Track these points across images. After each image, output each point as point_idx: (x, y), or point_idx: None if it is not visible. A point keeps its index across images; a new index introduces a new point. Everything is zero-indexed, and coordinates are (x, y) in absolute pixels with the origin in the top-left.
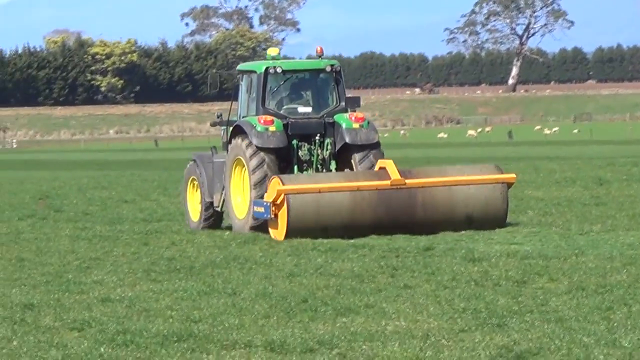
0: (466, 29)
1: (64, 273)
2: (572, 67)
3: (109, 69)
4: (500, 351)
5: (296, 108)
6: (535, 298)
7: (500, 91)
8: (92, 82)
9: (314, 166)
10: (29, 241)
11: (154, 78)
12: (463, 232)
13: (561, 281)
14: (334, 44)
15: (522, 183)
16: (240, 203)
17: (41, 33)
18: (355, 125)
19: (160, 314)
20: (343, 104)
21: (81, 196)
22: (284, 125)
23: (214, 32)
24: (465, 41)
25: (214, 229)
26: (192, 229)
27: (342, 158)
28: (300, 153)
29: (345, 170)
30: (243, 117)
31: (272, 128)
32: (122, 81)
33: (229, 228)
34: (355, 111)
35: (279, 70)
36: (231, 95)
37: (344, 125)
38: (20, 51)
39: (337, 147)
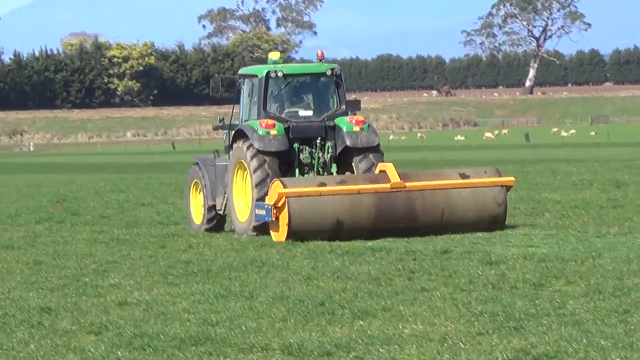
0: (483, 31)
1: (81, 276)
2: (589, 69)
3: (127, 72)
4: (517, 354)
5: (297, 112)
6: (553, 301)
7: (518, 93)
8: (109, 85)
9: (315, 169)
10: (46, 244)
11: (171, 81)
12: (480, 234)
13: (578, 284)
14: (351, 46)
15: (539, 185)
16: (242, 206)
17: (58, 36)
18: (356, 129)
19: (177, 317)
20: (344, 107)
21: (98, 199)
22: (285, 128)
23: (231, 35)
24: (482, 43)
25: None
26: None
27: (343, 161)
28: (301, 156)
29: (346, 173)
30: (245, 121)
31: (273, 132)
32: (139, 84)
33: (232, 231)
34: (355, 114)
35: (280, 74)
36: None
37: (344, 129)
38: (37, 54)
39: (338, 150)
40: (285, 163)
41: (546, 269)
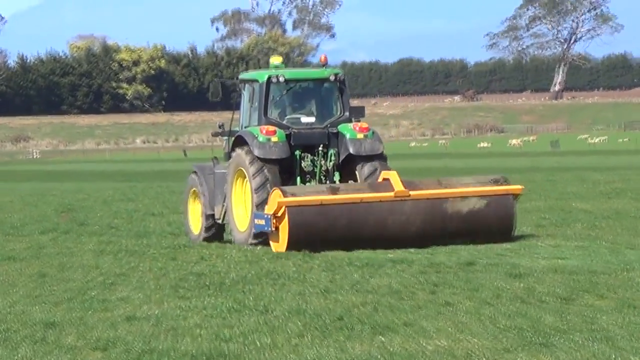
0: (508, 33)
1: (87, 289)
2: (619, 73)
3: (136, 76)
4: None
5: (299, 118)
6: (583, 316)
7: (545, 98)
8: (118, 89)
9: (317, 177)
10: (51, 256)
11: (182, 85)
12: (507, 245)
13: (610, 298)
14: (370, 49)
15: (569, 195)
16: (241, 215)
17: (65, 38)
18: (360, 136)
19: (188, 332)
20: (347, 113)
21: (106, 209)
22: (286, 135)
23: (245, 38)
24: (507, 46)
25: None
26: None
27: (346, 169)
28: (303, 164)
29: (350, 181)
30: (245, 127)
31: (274, 138)
32: (149, 89)
33: (229, 241)
34: (359, 121)
35: (281, 79)
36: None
37: (348, 136)
38: (43, 57)
39: (341, 158)
40: (286, 171)
41: (576, 282)
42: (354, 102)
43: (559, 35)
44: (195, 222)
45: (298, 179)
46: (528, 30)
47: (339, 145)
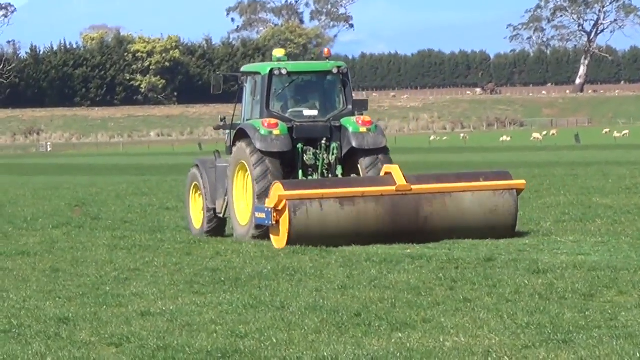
0: (531, 25)
1: (101, 285)
2: None
3: (151, 67)
4: None
5: (302, 111)
6: (604, 312)
7: (567, 91)
8: (132, 81)
9: (320, 171)
10: (64, 251)
11: (198, 77)
12: (527, 241)
13: (631, 294)
14: (389, 40)
15: (590, 189)
16: (243, 208)
17: (78, 29)
18: (363, 129)
19: (203, 328)
20: (350, 107)
21: (120, 203)
22: (288, 128)
23: (261, 28)
24: (529, 38)
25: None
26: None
27: (349, 163)
28: (305, 157)
29: (352, 175)
30: (247, 120)
31: (276, 132)
32: (163, 80)
33: (231, 235)
34: (362, 114)
35: (284, 72)
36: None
37: (350, 129)
38: (55, 48)
39: (344, 151)
40: (288, 165)
41: (597, 278)
42: (373, 95)
43: (582, 27)
44: (197, 216)
45: (300, 172)
46: (551, 21)
47: (341, 138)
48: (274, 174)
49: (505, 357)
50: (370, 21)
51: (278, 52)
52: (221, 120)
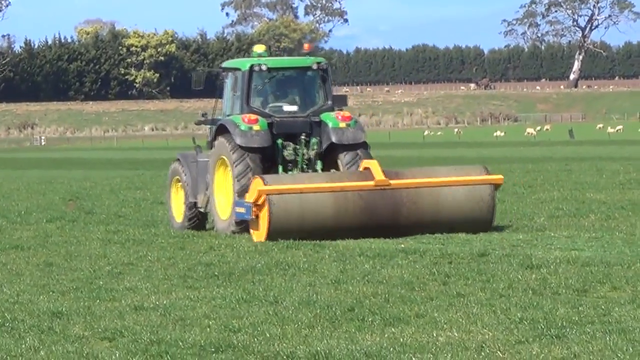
0: (525, 20)
1: (94, 279)
2: (637, 61)
3: (145, 62)
4: None
5: (281, 106)
6: (597, 308)
7: (561, 87)
8: (126, 75)
9: (300, 166)
10: (58, 245)
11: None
12: (520, 236)
13: (624, 290)
14: (384, 35)
15: (584, 185)
16: (223, 203)
17: (72, 23)
18: (342, 125)
19: (197, 323)
20: (330, 102)
21: (113, 197)
22: (268, 124)
23: (256, 23)
24: (524, 33)
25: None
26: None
27: (329, 158)
28: (285, 153)
29: (332, 170)
30: (228, 115)
31: (256, 127)
32: (157, 75)
33: (212, 229)
34: (342, 110)
35: (264, 67)
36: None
37: (330, 125)
38: (50, 42)
39: (324, 146)
40: (268, 160)
41: (590, 273)
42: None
43: (577, 23)
44: (178, 210)
45: (280, 167)
46: (545, 17)
47: (321, 134)
48: (254, 170)
49: (499, 352)
50: (364, 16)
51: (258, 48)
52: (202, 116)
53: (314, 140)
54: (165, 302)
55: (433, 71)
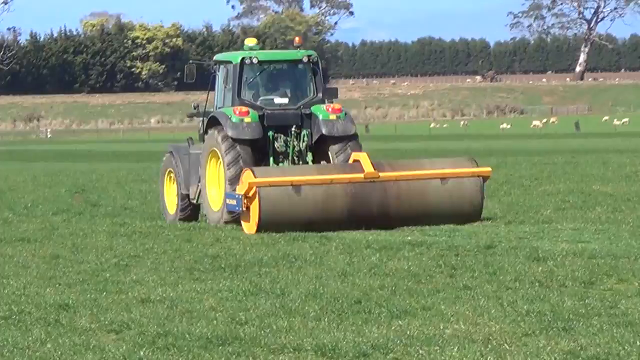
0: (531, 12)
1: (101, 271)
2: None
3: (151, 54)
4: (566, 357)
5: (272, 99)
6: (604, 300)
7: (567, 79)
8: (132, 68)
9: (290, 158)
10: (64, 237)
11: (198, 64)
12: (527, 229)
13: (631, 282)
14: (390, 28)
15: (590, 177)
16: (215, 195)
17: (78, 16)
18: (332, 117)
19: (203, 315)
20: (320, 95)
21: (120, 190)
22: (259, 116)
23: (262, 16)
24: (530, 26)
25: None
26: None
27: (319, 150)
28: (276, 145)
29: (322, 162)
30: (219, 108)
31: (247, 119)
32: (163, 67)
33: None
34: (332, 102)
35: (255, 60)
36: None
37: (320, 117)
38: (55, 35)
39: (314, 138)
40: (259, 152)
41: (597, 266)
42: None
43: (583, 15)
44: (171, 202)
45: (271, 159)
46: (551, 9)
47: (311, 126)
48: (244, 158)
49: (505, 345)
50: (370, 8)
51: (250, 41)
52: (194, 108)
53: (304, 132)
54: (171, 294)
55: (439, 64)
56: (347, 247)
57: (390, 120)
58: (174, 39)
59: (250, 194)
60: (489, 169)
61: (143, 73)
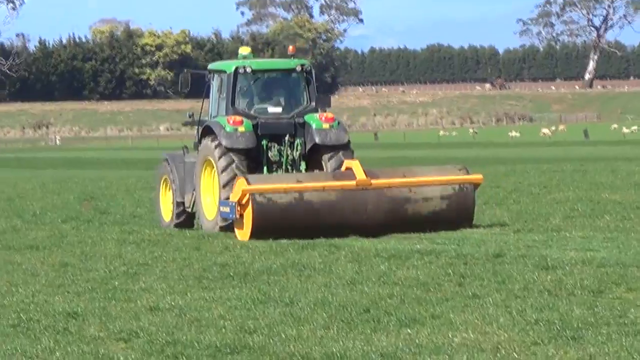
0: (540, 20)
1: (110, 279)
2: None
3: (160, 61)
4: None
5: (266, 108)
6: (613, 309)
7: (576, 87)
8: (141, 75)
9: (284, 167)
10: (73, 245)
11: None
12: (535, 237)
13: None
14: (399, 35)
15: (599, 185)
16: (210, 203)
17: (87, 23)
18: (325, 126)
19: (212, 324)
20: (313, 104)
21: (129, 197)
22: (253, 125)
23: (271, 23)
24: (539, 33)
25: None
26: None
27: (312, 159)
28: (270, 153)
29: (315, 170)
30: (214, 117)
31: (241, 128)
32: (172, 74)
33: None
34: (325, 111)
35: (248, 69)
36: None
37: (314, 126)
38: (64, 42)
39: (307, 147)
40: (253, 160)
41: (606, 274)
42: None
43: (592, 22)
44: (167, 210)
45: (265, 168)
46: (560, 16)
47: (305, 135)
48: (237, 164)
49: (514, 354)
50: (379, 15)
51: (243, 50)
52: (189, 117)
53: (298, 141)
54: (180, 302)
55: (448, 71)
56: (356, 255)
57: (399, 128)
58: (183, 46)
59: (244, 201)
60: (480, 176)
61: (151, 80)
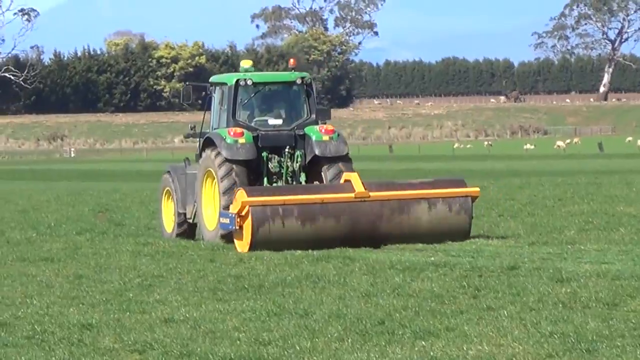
0: (555, 33)
1: (124, 291)
2: None
3: (175, 73)
4: None
5: (267, 120)
6: (627, 321)
7: (591, 100)
8: (156, 87)
9: (284, 178)
10: (88, 257)
11: None
12: (550, 249)
13: None
14: (414, 47)
15: (614, 198)
16: (210, 214)
17: (102, 35)
18: (325, 138)
19: (227, 335)
20: (314, 116)
21: (143, 209)
22: (254, 137)
23: (286, 35)
24: (554, 46)
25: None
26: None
27: (312, 170)
28: (270, 165)
29: (315, 182)
30: (215, 129)
31: (241, 140)
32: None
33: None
34: (325, 123)
35: (249, 82)
36: None
37: (314, 138)
38: (79, 54)
39: (307, 159)
40: (253, 172)
41: (621, 287)
42: (397, 102)
43: (607, 35)
44: (169, 220)
45: (265, 179)
46: (575, 29)
47: (305, 146)
48: (237, 174)
49: None
50: (394, 28)
51: (245, 63)
52: (191, 129)
53: (298, 153)
54: (195, 314)
55: (463, 84)
56: (370, 267)
57: (414, 140)
58: (197, 58)
59: (244, 213)
60: (477, 189)
61: (165, 92)
